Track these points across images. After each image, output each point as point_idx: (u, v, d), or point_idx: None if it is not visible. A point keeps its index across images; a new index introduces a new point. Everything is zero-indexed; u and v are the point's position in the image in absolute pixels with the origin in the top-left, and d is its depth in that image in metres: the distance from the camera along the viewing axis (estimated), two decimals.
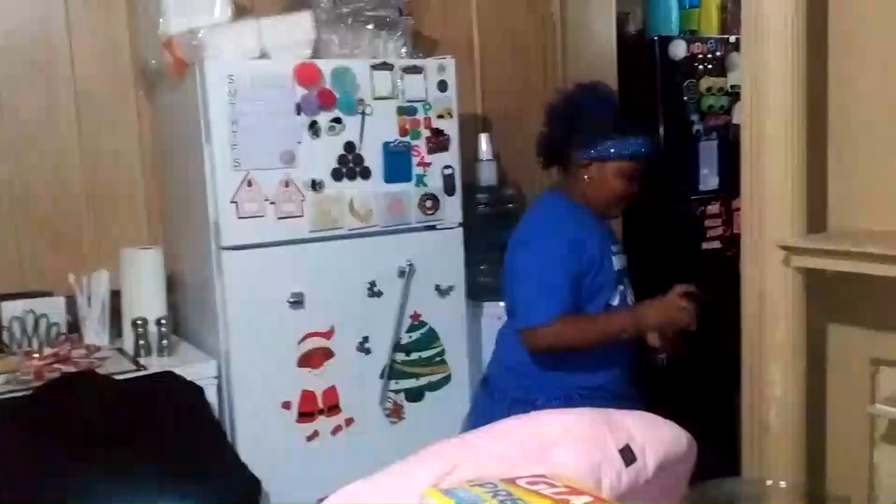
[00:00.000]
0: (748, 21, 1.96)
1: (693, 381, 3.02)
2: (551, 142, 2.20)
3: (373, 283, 2.54)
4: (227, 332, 2.38)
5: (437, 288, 2.65)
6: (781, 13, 1.85)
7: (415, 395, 2.64)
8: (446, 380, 2.69)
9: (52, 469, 1.84)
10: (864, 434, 1.98)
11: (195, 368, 2.37)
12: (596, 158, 2.11)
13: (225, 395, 2.41)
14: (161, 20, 2.45)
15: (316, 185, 2.43)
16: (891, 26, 1.85)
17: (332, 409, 2.51)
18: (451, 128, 2.63)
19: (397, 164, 2.55)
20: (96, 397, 2.10)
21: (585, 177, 2.14)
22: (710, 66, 3.38)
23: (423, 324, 2.64)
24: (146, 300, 2.49)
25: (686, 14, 3.54)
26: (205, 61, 2.30)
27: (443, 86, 2.61)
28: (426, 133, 2.59)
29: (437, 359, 2.67)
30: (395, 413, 2.62)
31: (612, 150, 2.10)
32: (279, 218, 2.39)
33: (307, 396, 2.47)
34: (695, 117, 3.35)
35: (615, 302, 2.13)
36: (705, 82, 3.35)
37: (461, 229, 2.68)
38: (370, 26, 2.64)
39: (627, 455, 1.11)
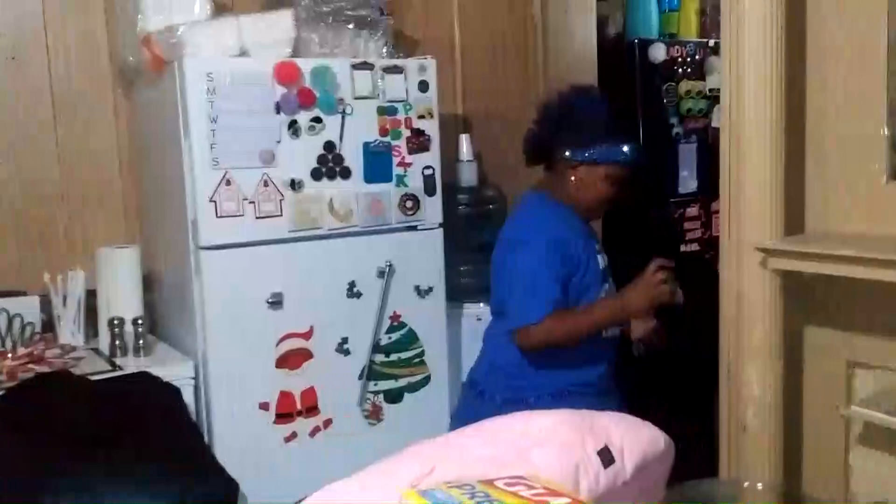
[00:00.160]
0: (727, 25, 1.98)
1: (672, 381, 3.04)
2: (540, 140, 2.21)
3: (352, 284, 2.53)
4: (204, 333, 2.36)
5: (417, 289, 2.64)
6: (761, 17, 1.86)
7: (394, 397, 2.64)
8: (426, 381, 2.69)
9: (23, 470, 1.81)
10: (840, 436, 2.00)
11: (172, 369, 2.35)
12: (586, 161, 2.12)
13: (202, 395, 2.39)
14: (139, 17, 2.43)
15: (295, 185, 2.42)
16: (868, 31, 1.87)
17: (311, 410, 2.49)
18: (431, 128, 2.62)
19: (377, 164, 2.54)
20: (70, 398, 2.07)
21: (573, 178, 2.15)
22: (689, 70, 3.41)
23: (402, 325, 2.63)
24: (122, 300, 2.47)
25: (665, 17, 3.56)
26: (184, 59, 2.28)
27: (424, 86, 2.60)
28: (407, 133, 2.58)
29: (417, 360, 2.67)
30: (374, 414, 2.61)
31: (604, 155, 2.12)
32: (258, 217, 2.38)
33: (285, 397, 2.45)
34: (674, 120, 3.38)
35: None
36: (684, 85, 3.38)
37: (441, 230, 2.68)
38: (351, 25, 2.63)
39: (606, 456, 1.11)
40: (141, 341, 2.44)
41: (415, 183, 2.61)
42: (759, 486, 1.65)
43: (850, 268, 1.76)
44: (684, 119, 3.38)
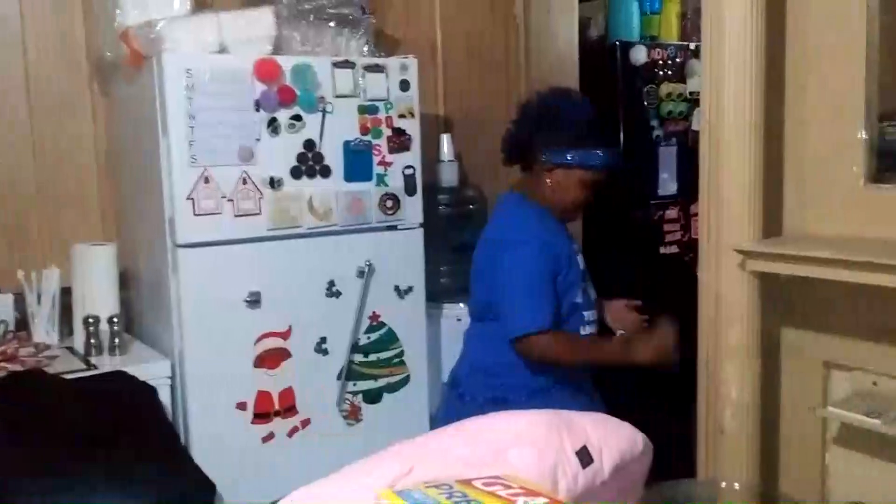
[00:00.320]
0: (708, 28, 1.99)
1: (649, 382, 3.05)
2: (518, 140, 2.21)
3: (331, 283, 2.52)
4: (181, 332, 2.34)
5: (397, 289, 2.63)
6: (741, 21, 1.87)
7: (373, 397, 2.63)
8: (405, 381, 2.68)
9: None
10: (816, 436, 2.01)
11: (148, 368, 2.32)
12: (563, 165, 2.12)
13: (179, 395, 2.37)
14: (118, 11, 2.40)
15: (274, 183, 2.40)
16: (847, 36, 1.88)
17: (289, 410, 2.48)
18: (412, 128, 2.62)
19: (358, 162, 2.53)
20: (44, 398, 2.05)
21: (548, 181, 2.14)
22: (669, 72, 3.43)
23: (381, 325, 2.62)
24: (98, 298, 2.44)
25: (647, 20, 3.59)
26: (162, 54, 2.26)
27: (405, 85, 2.59)
28: (387, 132, 2.57)
29: (396, 360, 2.66)
30: (353, 415, 2.60)
31: (580, 159, 2.10)
32: (236, 216, 2.36)
33: (263, 397, 2.43)
34: (654, 122, 3.40)
35: (579, 300, 2.14)
36: (665, 88, 3.40)
37: (421, 230, 2.67)
38: (332, 24, 2.62)
39: (584, 457, 1.11)
40: (116, 340, 2.41)
41: (395, 182, 2.60)
42: (737, 486, 1.66)
43: (827, 270, 1.77)
44: (665, 121, 3.40)
